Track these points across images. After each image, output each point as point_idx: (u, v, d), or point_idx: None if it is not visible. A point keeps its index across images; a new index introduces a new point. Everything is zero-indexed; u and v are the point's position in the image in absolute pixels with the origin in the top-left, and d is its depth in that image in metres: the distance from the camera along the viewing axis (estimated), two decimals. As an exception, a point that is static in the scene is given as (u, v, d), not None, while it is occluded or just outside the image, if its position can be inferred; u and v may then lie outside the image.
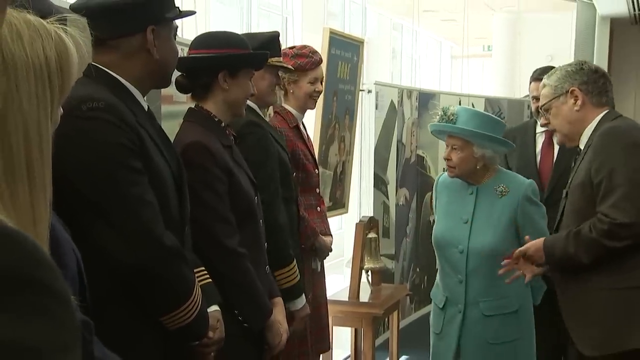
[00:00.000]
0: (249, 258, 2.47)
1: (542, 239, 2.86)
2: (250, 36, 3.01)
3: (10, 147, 0.98)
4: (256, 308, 2.50)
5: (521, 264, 2.91)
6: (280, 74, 3.40)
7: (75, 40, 1.17)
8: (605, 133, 2.73)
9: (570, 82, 2.86)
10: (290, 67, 3.25)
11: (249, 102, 2.90)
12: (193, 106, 2.58)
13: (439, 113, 3.15)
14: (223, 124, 2.54)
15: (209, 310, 2.20)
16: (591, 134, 2.82)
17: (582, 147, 2.87)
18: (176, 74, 2.46)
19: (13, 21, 1.06)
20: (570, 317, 2.86)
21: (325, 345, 3.64)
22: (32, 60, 1.05)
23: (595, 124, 2.83)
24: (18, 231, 0.55)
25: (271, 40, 2.99)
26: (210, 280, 2.32)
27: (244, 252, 2.45)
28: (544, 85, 2.96)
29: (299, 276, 2.89)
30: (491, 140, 3.11)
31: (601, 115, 2.84)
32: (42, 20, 1.12)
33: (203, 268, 2.32)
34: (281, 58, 3.11)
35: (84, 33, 1.23)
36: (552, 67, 4.11)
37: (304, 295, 2.91)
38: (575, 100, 2.84)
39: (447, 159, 3.18)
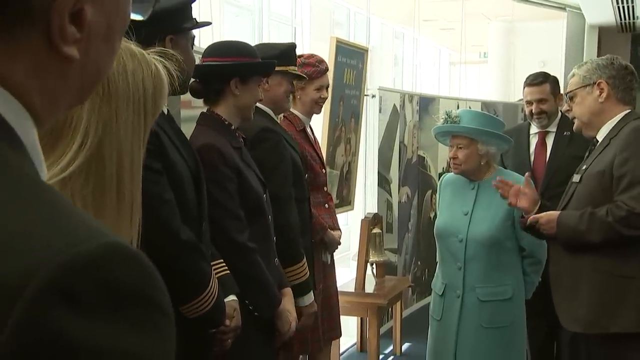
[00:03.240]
0: (259, 252, 2.47)
1: (556, 212, 2.81)
2: (271, 46, 3.06)
3: (104, 169, 1.00)
4: (265, 298, 2.51)
5: (520, 197, 2.89)
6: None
7: (169, 72, 1.18)
8: (636, 130, 2.67)
9: (599, 75, 2.80)
10: (304, 75, 3.26)
11: (265, 108, 2.92)
12: (205, 111, 2.59)
13: (443, 116, 3.18)
14: (233, 127, 2.54)
15: (226, 300, 2.21)
16: (612, 128, 2.76)
17: (599, 138, 2.81)
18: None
19: (120, 53, 1.07)
20: (558, 290, 2.83)
21: (336, 332, 3.66)
22: (133, 93, 1.06)
23: (617, 120, 2.77)
24: (140, 253, 0.57)
25: (289, 50, 3.01)
26: (228, 271, 2.33)
27: (254, 247, 2.45)
28: (573, 75, 2.90)
29: (308, 274, 2.88)
30: (494, 136, 3.14)
31: (624, 113, 2.78)
32: (144, 52, 1.13)
33: (222, 260, 2.32)
34: (296, 67, 3.12)
35: (177, 65, 1.25)
36: (543, 73, 4.12)
37: (312, 292, 2.90)
38: (601, 93, 2.78)
39: (454, 157, 3.19)
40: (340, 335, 3.82)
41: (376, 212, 4.89)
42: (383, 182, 5.49)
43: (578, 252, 2.73)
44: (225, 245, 2.39)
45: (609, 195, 2.66)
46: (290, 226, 2.81)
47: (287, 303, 2.64)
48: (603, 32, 8.29)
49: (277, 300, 2.55)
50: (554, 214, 2.80)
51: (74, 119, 0.99)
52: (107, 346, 0.51)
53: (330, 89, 3.68)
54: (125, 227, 1.03)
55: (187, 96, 2.79)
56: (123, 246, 0.55)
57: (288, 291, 2.70)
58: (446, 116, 3.16)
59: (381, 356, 4.66)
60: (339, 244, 3.60)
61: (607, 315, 2.65)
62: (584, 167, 2.81)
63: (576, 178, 2.83)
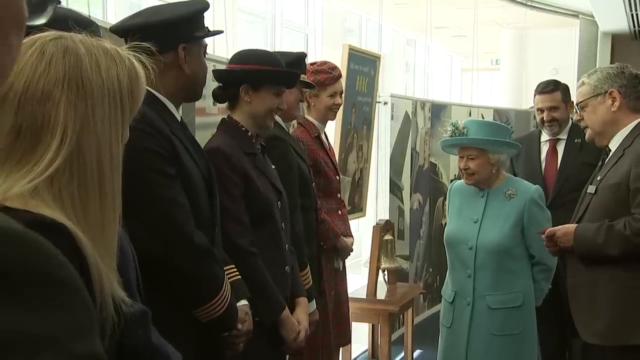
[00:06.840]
0: (261, 257, 2.46)
1: (573, 225, 2.80)
2: (282, 54, 3.06)
3: (85, 164, 1.03)
4: (265, 303, 2.47)
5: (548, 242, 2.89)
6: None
7: (144, 65, 1.21)
8: None
9: (610, 84, 2.81)
10: (313, 84, 3.28)
11: (275, 116, 2.93)
12: (226, 117, 2.63)
13: (449, 129, 3.17)
14: (250, 133, 2.56)
15: (238, 304, 2.22)
16: (625, 138, 2.76)
17: (612, 147, 2.81)
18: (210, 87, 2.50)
19: (93, 51, 1.10)
20: (575, 302, 2.82)
21: (345, 339, 3.65)
22: (107, 87, 1.09)
23: (630, 129, 2.77)
24: (28, 231, 0.54)
25: (298, 59, 3.04)
26: (239, 276, 2.34)
27: (255, 251, 2.45)
28: (583, 84, 2.90)
29: (311, 282, 2.88)
30: (503, 144, 3.15)
31: (636, 122, 2.78)
32: (117, 47, 1.16)
33: (233, 265, 2.33)
34: (306, 75, 3.15)
35: (153, 57, 1.28)
36: (554, 80, 4.12)
37: (314, 301, 2.88)
38: (613, 102, 2.79)
39: (465, 169, 3.19)
40: (350, 342, 3.83)
41: (388, 218, 4.90)
42: (395, 188, 5.50)
43: (595, 264, 2.73)
44: (226, 247, 2.37)
45: (625, 208, 2.65)
46: (296, 235, 2.81)
47: (299, 312, 2.63)
48: (616, 40, 8.28)
49: (278, 306, 2.51)
50: (570, 226, 2.80)
51: (51, 118, 1.02)
52: (3, 329, 0.49)
53: (342, 96, 3.71)
54: (109, 219, 1.05)
55: (201, 103, 2.82)
56: (4, 227, 0.53)
57: (302, 300, 2.69)
58: (453, 128, 3.16)
59: (392, 363, 4.66)
60: (351, 250, 3.61)
61: (626, 327, 2.64)
62: (598, 178, 2.80)
63: (591, 189, 2.82)
